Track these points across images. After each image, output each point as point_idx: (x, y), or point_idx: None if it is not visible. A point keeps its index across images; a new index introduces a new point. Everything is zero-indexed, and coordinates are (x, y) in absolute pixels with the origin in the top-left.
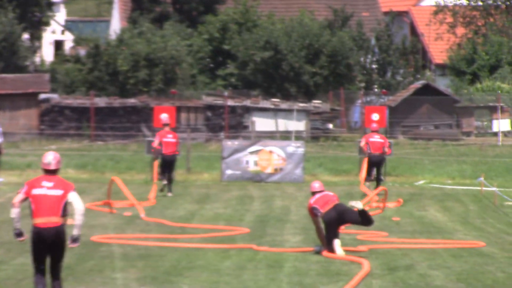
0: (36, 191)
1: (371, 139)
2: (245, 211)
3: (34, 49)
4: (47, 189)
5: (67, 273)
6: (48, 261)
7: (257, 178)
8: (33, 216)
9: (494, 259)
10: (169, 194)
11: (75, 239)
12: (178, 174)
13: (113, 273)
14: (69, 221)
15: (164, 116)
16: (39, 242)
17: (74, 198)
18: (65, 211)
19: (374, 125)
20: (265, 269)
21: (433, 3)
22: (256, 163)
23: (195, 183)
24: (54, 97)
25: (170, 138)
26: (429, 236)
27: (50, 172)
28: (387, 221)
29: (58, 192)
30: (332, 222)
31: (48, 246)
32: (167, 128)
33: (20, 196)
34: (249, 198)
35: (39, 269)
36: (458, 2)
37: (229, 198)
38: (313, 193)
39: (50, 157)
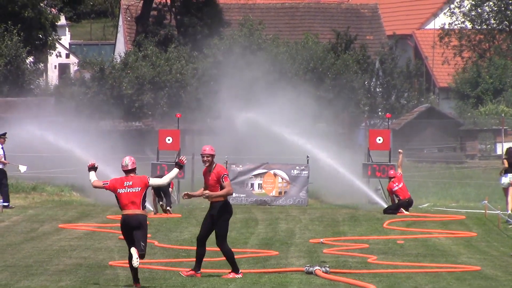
0: (120, 190)
1: (395, 189)
2: (250, 234)
3: (39, 72)
4: (128, 187)
5: None
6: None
7: (261, 201)
8: (121, 208)
9: (498, 282)
10: (168, 208)
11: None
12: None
13: None
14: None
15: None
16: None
17: (153, 182)
18: (144, 203)
19: (392, 172)
20: None
21: (438, 27)
22: (260, 186)
23: (199, 206)
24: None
25: None
26: (433, 260)
27: (128, 172)
28: (391, 244)
29: (136, 189)
30: None
31: (132, 228)
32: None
33: (105, 184)
34: (253, 221)
35: None
36: (463, 26)
37: (234, 221)
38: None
39: (127, 160)
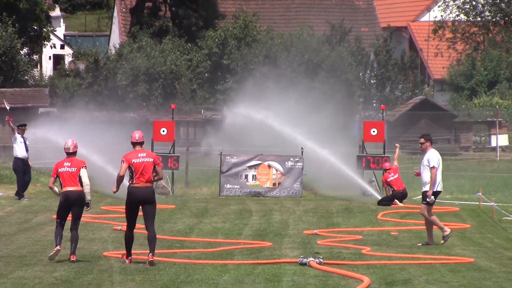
0: (61, 169)
1: (390, 179)
2: (244, 225)
3: (34, 63)
4: (67, 167)
5: (65, 287)
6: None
7: (255, 193)
8: (63, 186)
9: (492, 274)
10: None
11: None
12: (177, 188)
13: (111, 287)
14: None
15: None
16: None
17: (83, 173)
18: (80, 181)
19: (387, 164)
20: (263, 283)
21: (432, 19)
22: (254, 178)
23: (193, 197)
24: (54, 111)
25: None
26: (427, 251)
27: (70, 154)
28: (385, 236)
29: (73, 169)
30: None
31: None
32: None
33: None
34: (247, 212)
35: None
36: (457, 18)
37: (228, 212)
38: None
39: (69, 143)
